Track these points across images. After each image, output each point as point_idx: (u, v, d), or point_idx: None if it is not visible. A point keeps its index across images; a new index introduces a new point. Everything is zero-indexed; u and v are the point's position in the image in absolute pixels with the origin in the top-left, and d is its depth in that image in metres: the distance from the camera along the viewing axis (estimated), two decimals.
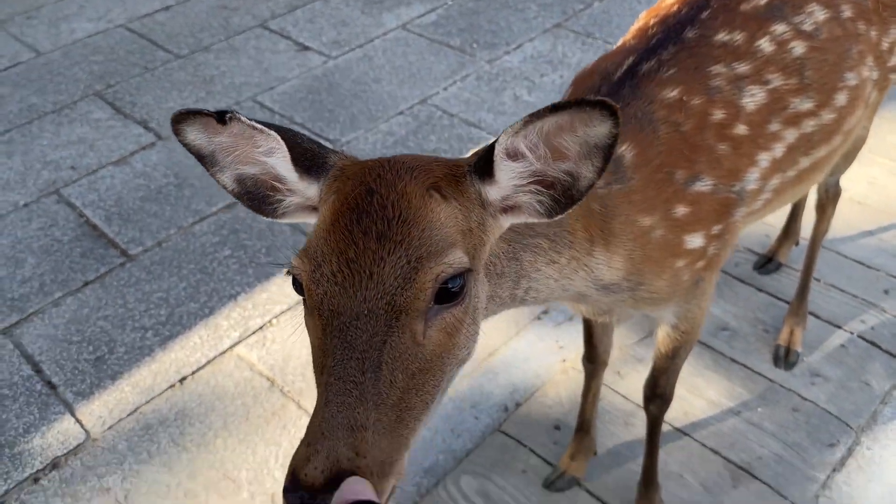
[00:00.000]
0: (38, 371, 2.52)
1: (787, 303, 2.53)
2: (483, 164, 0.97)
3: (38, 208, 3.17)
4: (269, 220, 1.09)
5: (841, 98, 1.55)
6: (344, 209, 0.91)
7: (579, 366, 2.15)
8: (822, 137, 1.55)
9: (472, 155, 0.99)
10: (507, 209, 1.01)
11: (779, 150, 1.47)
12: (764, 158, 1.45)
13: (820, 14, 1.53)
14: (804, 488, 2.10)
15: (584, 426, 2.08)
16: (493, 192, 0.99)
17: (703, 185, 1.37)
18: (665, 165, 1.33)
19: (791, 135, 1.48)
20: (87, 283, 2.83)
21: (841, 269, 2.72)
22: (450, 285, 0.89)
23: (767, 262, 2.73)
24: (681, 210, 1.35)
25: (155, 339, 2.62)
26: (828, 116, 1.53)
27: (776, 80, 1.45)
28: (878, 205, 2.97)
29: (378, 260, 0.86)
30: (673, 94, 1.36)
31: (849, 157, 2.11)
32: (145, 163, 3.39)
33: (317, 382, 0.88)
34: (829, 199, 2.33)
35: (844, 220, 2.89)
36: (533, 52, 4.05)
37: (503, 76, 3.88)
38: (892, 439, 2.22)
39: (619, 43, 1.57)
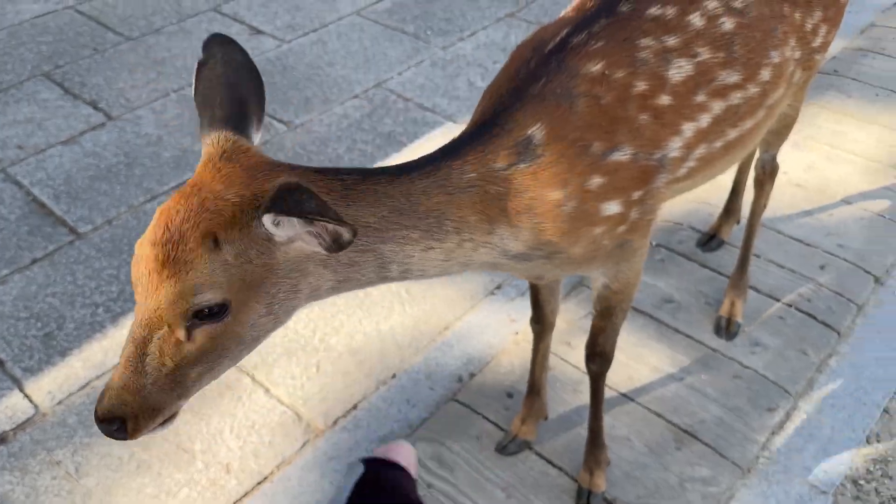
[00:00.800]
0: None
1: (729, 277, 2.63)
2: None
3: None
4: None
5: (765, 74, 1.63)
6: (157, 224, 1.10)
7: (531, 337, 2.21)
8: (747, 110, 1.62)
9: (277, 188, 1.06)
10: (299, 239, 1.12)
11: (705, 120, 1.52)
12: (688, 128, 1.49)
13: None
14: (745, 449, 2.19)
15: (534, 389, 2.14)
16: (279, 234, 1.10)
17: (622, 155, 1.39)
18: (580, 140, 1.34)
19: (718, 106, 1.54)
20: (35, 261, 2.78)
21: (780, 246, 2.84)
22: (205, 311, 1.09)
23: (710, 240, 2.83)
24: (596, 181, 1.36)
25: (106, 316, 2.59)
26: (753, 90, 1.61)
27: (705, 53, 1.51)
28: (815, 187, 3.11)
29: (158, 283, 1.08)
30: (597, 67, 1.38)
31: (780, 135, 2.21)
32: (95, 142, 3.35)
33: None
34: (766, 175, 2.42)
35: (784, 201, 3.01)
36: (486, 39, 4.12)
37: (457, 62, 3.93)
38: (827, 404, 2.33)
39: (561, 14, 1.62)
